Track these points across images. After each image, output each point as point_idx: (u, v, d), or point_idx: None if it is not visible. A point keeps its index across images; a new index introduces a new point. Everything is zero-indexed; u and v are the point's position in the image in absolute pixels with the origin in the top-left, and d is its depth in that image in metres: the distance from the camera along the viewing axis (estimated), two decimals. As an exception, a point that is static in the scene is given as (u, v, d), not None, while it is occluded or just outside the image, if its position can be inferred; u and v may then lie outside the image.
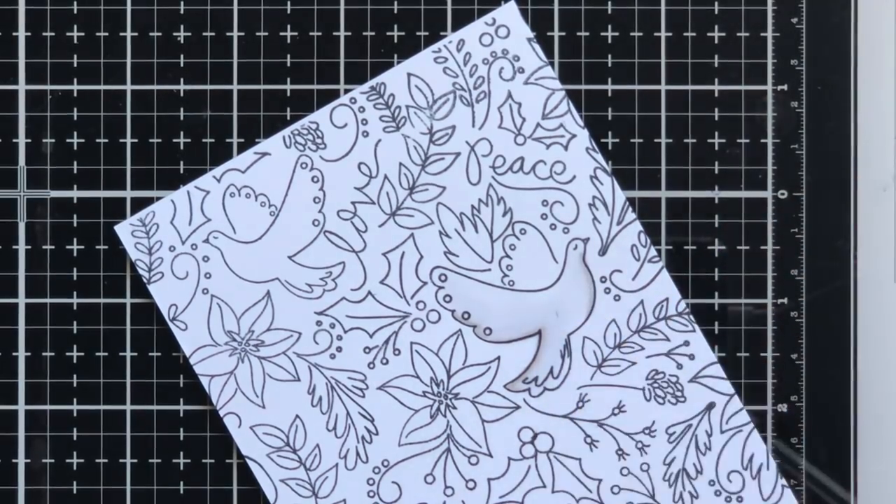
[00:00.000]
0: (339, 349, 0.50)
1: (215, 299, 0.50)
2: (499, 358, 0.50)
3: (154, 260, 0.50)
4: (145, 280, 0.50)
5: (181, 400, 0.51)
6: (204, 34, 0.51)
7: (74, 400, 0.51)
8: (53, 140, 0.51)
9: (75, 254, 0.51)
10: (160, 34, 0.51)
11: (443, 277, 0.50)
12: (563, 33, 0.51)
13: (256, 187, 0.50)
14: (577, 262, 0.49)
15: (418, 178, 0.49)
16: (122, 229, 0.50)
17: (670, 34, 0.51)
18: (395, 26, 0.51)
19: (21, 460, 0.51)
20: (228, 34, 0.51)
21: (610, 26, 0.51)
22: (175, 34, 0.51)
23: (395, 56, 0.51)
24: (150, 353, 0.51)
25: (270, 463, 0.50)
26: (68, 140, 0.51)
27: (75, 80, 0.51)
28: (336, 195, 0.49)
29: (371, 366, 0.50)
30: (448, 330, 0.50)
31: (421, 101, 0.49)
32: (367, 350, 0.50)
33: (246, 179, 0.50)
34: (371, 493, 0.50)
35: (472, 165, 0.49)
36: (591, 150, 0.49)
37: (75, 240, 0.51)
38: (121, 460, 0.51)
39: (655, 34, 0.51)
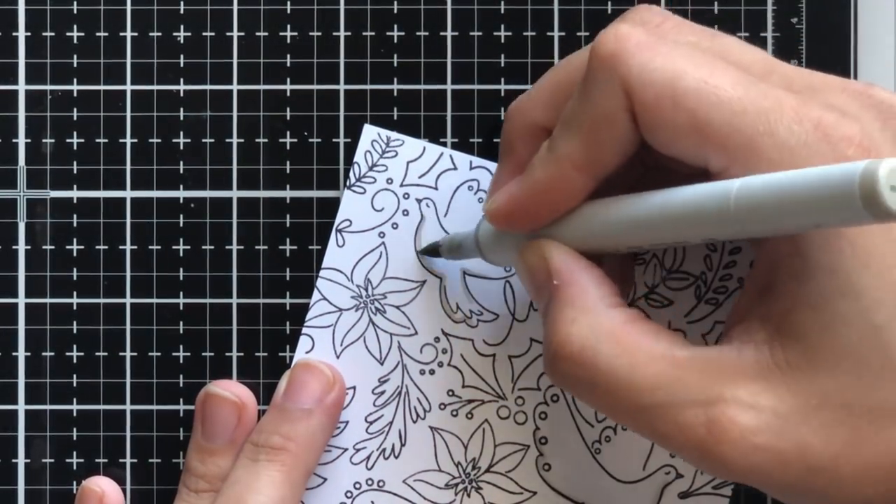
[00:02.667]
0: (432, 372, 0.50)
1: (383, 248, 0.50)
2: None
3: (368, 174, 0.50)
4: (348, 183, 0.50)
5: (181, 400, 0.51)
6: (204, 34, 0.51)
7: (74, 400, 0.51)
8: (53, 140, 0.51)
9: (75, 254, 0.51)
10: (160, 34, 0.51)
11: (543, 416, 0.50)
12: (563, 33, 0.51)
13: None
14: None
15: None
16: (370, 130, 0.50)
17: (670, 34, 0.51)
18: (395, 26, 0.51)
19: (21, 460, 0.51)
20: (228, 34, 0.51)
21: (610, 26, 0.51)
22: (175, 34, 0.51)
23: (395, 56, 0.51)
24: (150, 353, 0.51)
25: None
26: (68, 140, 0.51)
27: (75, 81, 0.51)
28: None
29: (442, 406, 0.50)
30: (519, 437, 0.50)
31: None
32: (449, 392, 0.50)
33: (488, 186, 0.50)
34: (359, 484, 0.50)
35: None
36: None
37: (75, 240, 0.51)
38: (121, 460, 0.51)
39: (655, 34, 0.51)
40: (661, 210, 0.37)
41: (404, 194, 0.50)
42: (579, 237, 0.40)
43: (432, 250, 0.49)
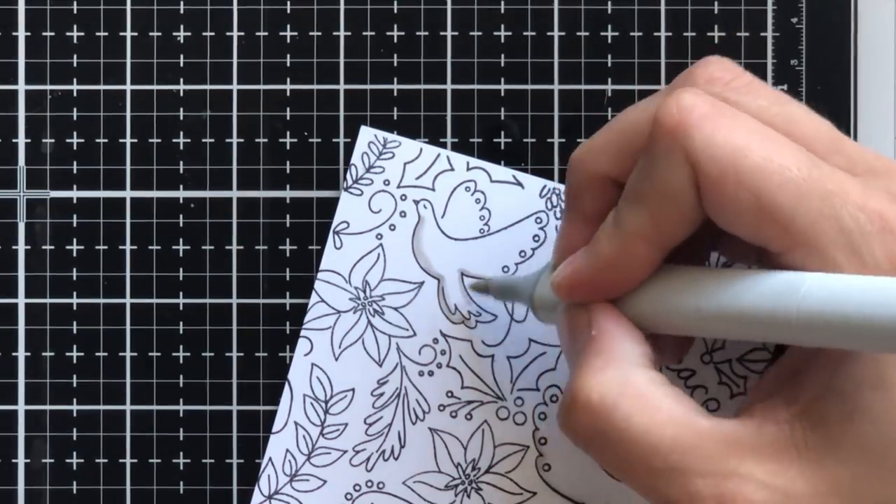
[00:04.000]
0: (431, 373, 0.50)
1: (381, 250, 0.50)
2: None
3: (365, 176, 0.50)
4: (344, 185, 0.50)
5: (181, 400, 0.51)
6: (204, 34, 0.51)
7: (74, 400, 0.51)
8: (53, 140, 0.51)
9: (75, 254, 0.51)
10: (160, 34, 0.51)
11: (543, 416, 0.50)
12: (563, 33, 0.51)
13: (491, 201, 0.50)
14: None
15: None
16: (366, 132, 0.50)
17: (670, 34, 0.51)
18: (395, 26, 0.51)
19: (21, 460, 0.51)
20: (228, 34, 0.51)
21: (610, 26, 0.51)
22: (175, 34, 0.51)
23: (395, 56, 0.51)
24: (150, 354, 0.51)
25: (300, 399, 0.50)
26: (68, 140, 0.51)
27: (75, 80, 0.51)
28: None
29: (441, 408, 0.50)
30: (518, 438, 0.50)
31: None
32: (448, 394, 0.50)
33: (490, 188, 0.50)
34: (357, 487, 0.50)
35: None
36: None
37: (75, 240, 0.51)
38: (121, 460, 0.51)
39: (655, 34, 0.51)
40: (718, 311, 0.37)
41: (401, 196, 0.50)
42: (632, 315, 0.40)
43: (482, 287, 0.49)
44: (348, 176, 0.50)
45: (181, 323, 0.51)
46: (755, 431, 0.36)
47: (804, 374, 0.37)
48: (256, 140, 0.51)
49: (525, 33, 0.51)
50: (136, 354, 0.51)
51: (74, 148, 0.51)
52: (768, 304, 0.35)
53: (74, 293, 0.51)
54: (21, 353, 0.51)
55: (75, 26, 0.51)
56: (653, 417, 0.37)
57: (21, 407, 0.51)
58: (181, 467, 0.51)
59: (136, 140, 0.51)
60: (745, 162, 0.36)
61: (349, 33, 0.51)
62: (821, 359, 0.36)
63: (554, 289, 0.42)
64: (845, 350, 0.35)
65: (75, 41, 0.51)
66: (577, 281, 0.41)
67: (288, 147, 0.51)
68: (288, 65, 0.51)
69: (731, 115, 0.37)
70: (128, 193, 0.51)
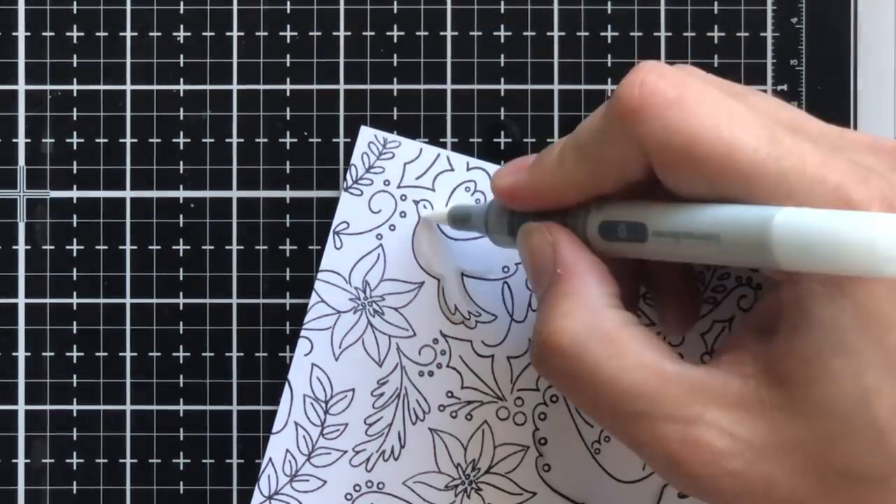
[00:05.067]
0: (431, 373, 0.50)
1: (381, 250, 0.50)
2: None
3: (365, 176, 0.50)
4: (344, 185, 0.50)
5: (181, 400, 0.51)
6: (204, 34, 0.51)
7: (74, 400, 0.51)
8: (53, 140, 0.51)
9: (75, 254, 0.51)
10: (160, 34, 0.51)
11: (542, 416, 0.50)
12: (563, 33, 0.51)
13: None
14: None
15: None
16: (366, 132, 0.50)
17: (670, 34, 0.51)
18: (395, 26, 0.51)
19: (21, 460, 0.51)
20: (228, 34, 0.51)
21: (610, 26, 0.51)
22: (175, 34, 0.51)
23: (395, 56, 0.51)
24: (150, 354, 0.51)
25: (300, 400, 0.50)
26: (68, 140, 0.51)
27: (75, 81, 0.51)
28: None
29: (441, 408, 0.50)
30: (518, 438, 0.50)
31: None
32: (448, 394, 0.50)
33: (489, 188, 0.50)
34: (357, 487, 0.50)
35: None
36: None
37: (75, 240, 0.51)
38: (121, 460, 0.51)
39: (655, 34, 0.51)
40: (695, 229, 0.37)
41: (401, 196, 0.50)
42: (594, 237, 0.41)
43: (441, 219, 0.49)
44: (348, 176, 0.50)
45: (181, 323, 0.51)
46: (722, 381, 0.37)
47: (770, 332, 0.37)
48: (256, 140, 0.51)
49: (525, 33, 0.51)
50: (136, 354, 0.51)
51: (74, 148, 0.51)
52: (745, 220, 0.35)
53: (74, 293, 0.51)
54: (21, 353, 0.51)
55: (75, 26, 0.51)
56: (622, 362, 0.38)
57: (21, 407, 0.51)
58: (181, 467, 0.51)
59: (136, 140, 0.51)
60: (700, 150, 0.36)
61: (349, 33, 0.51)
62: (786, 319, 0.36)
63: (493, 189, 0.43)
64: (806, 313, 0.35)
65: (75, 41, 0.51)
66: (515, 193, 0.43)
67: (288, 147, 0.51)
68: (288, 65, 0.51)
69: (694, 97, 0.37)
70: (128, 193, 0.51)
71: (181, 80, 0.51)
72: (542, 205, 0.42)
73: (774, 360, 0.36)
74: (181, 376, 0.51)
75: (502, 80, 0.51)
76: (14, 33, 0.51)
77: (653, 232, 0.38)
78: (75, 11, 0.51)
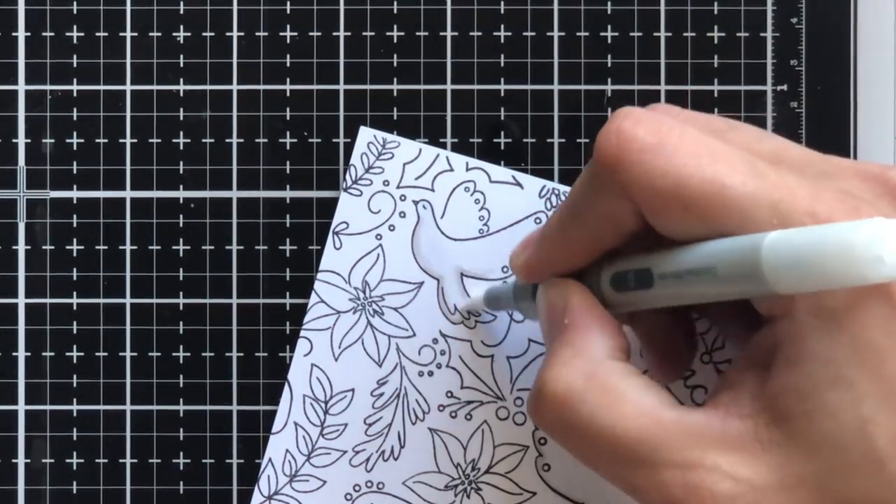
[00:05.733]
0: (430, 373, 0.50)
1: (380, 250, 0.50)
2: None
3: (364, 176, 0.50)
4: (343, 185, 0.50)
5: (181, 400, 0.51)
6: (204, 34, 0.51)
7: (74, 400, 0.51)
8: (53, 140, 0.51)
9: (75, 254, 0.51)
10: (160, 34, 0.51)
11: None
12: (563, 33, 0.51)
13: (491, 201, 0.50)
14: None
15: None
16: (365, 132, 0.50)
17: (670, 34, 0.51)
18: (395, 26, 0.51)
19: (21, 460, 0.51)
20: (228, 34, 0.51)
21: (610, 26, 0.51)
22: (175, 34, 0.51)
23: (395, 56, 0.51)
24: (150, 353, 0.51)
25: (299, 400, 0.50)
26: (68, 140, 0.51)
27: (75, 81, 0.51)
28: None
29: (441, 408, 0.50)
30: (518, 438, 0.50)
31: None
32: (448, 394, 0.50)
33: (489, 188, 0.50)
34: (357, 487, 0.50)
35: None
36: None
37: (75, 240, 0.51)
38: (121, 460, 0.51)
39: (655, 34, 0.51)
40: (689, 268, 0.37)
41: (401, 196, 0.50)
42: (608, 290, 0.41)
43: (478, 307, 0.50)
44: (347, 176, 0.50)
45: (181, 323, 0.51)
46: (720, 423, 0.37)
47: (766, 369, 0.37)
48: (256, 140, 0.51)
49: (525, 33, 0.51)
50: (136, 354, 0.51)
51: (74, 148, 0.51)
52: (736, 248, 0.35)
53: (74, 293, 0.51)
54: (21, 353, 0.51)
55: (75, 26, 0.51)
56: (618, 410, 0.37)
57: (21, 407, 0.51)
58: (181, 467, 0.51)
59: (136, 140, 0.51)
60: (688, 192, 0.36)
61: (349, 33, 0.51)
62: (781, 355, 0.36)
63: (511, 268, 0.44)
64: (801, 347, 0.35)
65: (75, 41, 0.51)
66: (530, 268, 0.43)
67: (288, 147, 0.51)
68: (288, 65, 0.51)
69: (673, 139, 0.37)
70: (128, 193, 0.51)
71: (181, 80, 0.51)
72: (555, 273, 0.42)
73: (771, 396, 0.36)
74: (181, 376, 0.51)
75: (502, 80, 0.51)
76: (14, 33, 0.51)
77: (657, 275, 0.38)
78: (75, 11, 0.51)
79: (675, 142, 0.37)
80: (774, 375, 0.36)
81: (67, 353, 0.51)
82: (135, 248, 0.51)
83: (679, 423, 0.37)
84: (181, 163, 0.51)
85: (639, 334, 0.45)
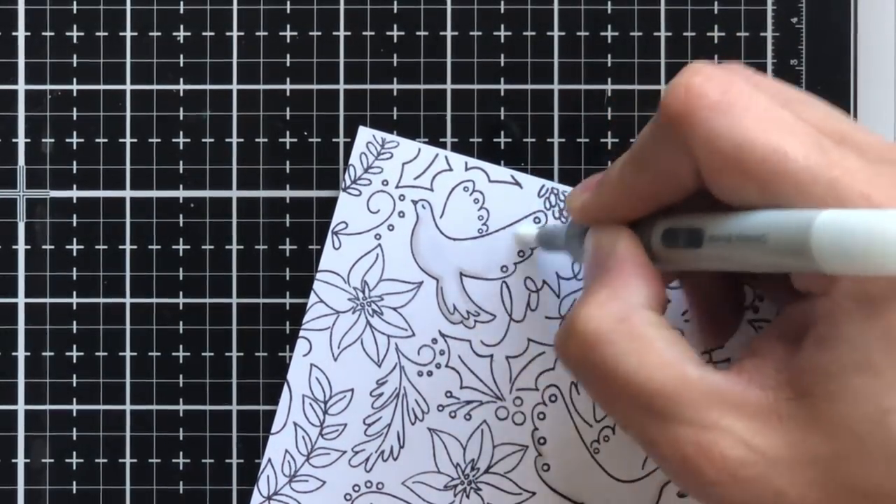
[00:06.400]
0: (430, 373, 0.50)
1: (379, 250, 0.50)
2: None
3: (363, 176, 0.50)
4: (342, 185, 0.50)
5: (181, 400, 0.51)
6: (204, 34, 0.51)
7: (74, 400, 0.51)
8: (53, 140, 0.51)
9: (75, 254, 0.51)
10: (160, 34, 0.51)
11: (541, 416, 0.50)
12: (563, 33, 0.51)
13: (490, 201, 0.50)
14: None
15: None
16: (364, 132, 0.50)
17: (670, 34, 0.51)
18: (395, 26, 0.51)
19: (21, 460, 0.51)
20: (228, 34, 0.51)
21: (610, 26, 0.51)
22: (175, 34, 0.51)
23: (395, 56, 0.51)
24: (150, 353, 0.51)
25: (299, 400, 0.50)
26: (68, 140, 0.51)
27: (75, 80, 0.51)
28: None
29: (440, 408, 0.50)
30: (517, 438, 0.50)
31: None
32: (448, 394, 0.50)
33: (488, 188, 0.50)
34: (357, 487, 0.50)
35: None
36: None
37: (75, 240, 0.51)
38: (121, 460, 0.51)
39: (655, 34, 0.51)
40: (740, 234, 0.37)
41: (400, 196, 0.50)
42: (657, 245, 0.41)
43: (528, 242, 0.50)
44: (346, 176, 0.50)
45: (181, 323, 0.51)
46: (741, 389, 0.37)
47: (794, 344, 0.37)
48: (256, 140, 0.51)
49: (525, 33, 0.51)
50: (136, 354, 0.51)
51: (74, 148, 0.51)
52: (790, 221, 0.35)
53: (74, 293, 0.51)
54: (21, 353, 0.51)
55: (75, 26, 0.51)
56: (643, 358, 0.37)
57: (21, 407, 0.51)
58: (181, 467, 0.51)
59: (136, 140, 0.51)
60: (749, 156, 0.36)
61: (349, 33, 0.51)
62: (813, 334, 0.36)
63: (567, 209, 0.44)
64: (835, 328, 0.35)
65: (75, 41, 0.51)
66: (586, 211, 0.43)
67: (288, 147, 0.51)
68: (288, 65, 0.51)
69: (742, 101, 0.37)
70: (128, 193, 0.51)
71: (181, 80, 0.51)
72: (610, 219, 0.42)
73: (797, 372, 0.36)
74: (181, 376, 0.51)
75: (502, 80, 0.51)
76: (14, 33, 0.51)
77: (708, 236, 0.38)
78: (75, 11, 0.51)
79: (743, 104, 0.37)
80: (804, 351, 0.36)
81: (67, 353, 0.51)
82: (135, 247, 0.51)
83: (701, 381, 0.37)
84: (181, 163, 0.51)
85: (687, 294, 0.45)
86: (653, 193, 0.40)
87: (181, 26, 0.51)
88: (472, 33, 0.51)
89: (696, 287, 0.44)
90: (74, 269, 0.51)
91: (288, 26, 0.51)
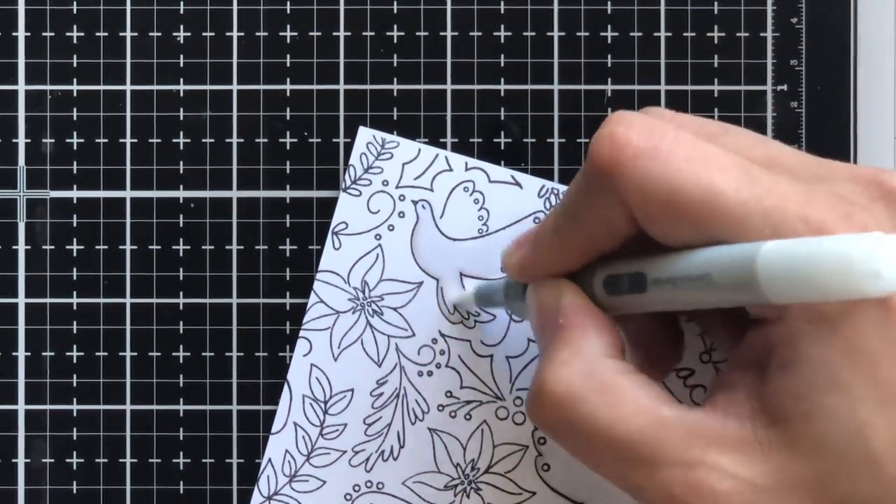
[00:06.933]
0: (430, 373, 0.50)
1: (379, 250, 0.50)
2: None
3: (363, 176, 0.50)
4: (342, 186, 0.50)
5: (181, 400, 0.51)
6: (204, 34, 0.51)
7: (74, 400, 0.51)
8: (53, 140, 0.51)
9: (75, 254, 0.51)
10: (160, 34, 0.51)
11: None
12: (563, 33, 0.51)
13: (490, 201, 0.50)
14: None
15: None
16: (364, 132, 0.50)
17: (670, 34, 0.51)
18: (395, 26, 0.51)
19: (21, 460, 0.51)
20: (228, 34, 0.51)
21: (610, 26, 0.51)
22: (175, 34, 0.51)
23: (395, 56, 0.51)
24: (150, 353, 0.51)
25: (299, 400, 0.50)
26: (68, 140, 0.51)
27: (75, 81, 0.51)
28: None
29: (440, 408, 0.50)
30: (517, 437, 0.50)
31: None
32: (448, 394, 0.50)
33: (488, 188, 0.50)
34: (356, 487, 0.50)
35: None
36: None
37: (75, 240, 0.51)
38: (121, 460, 0.51)
39: (655, 34, 0.51)
40: (684, 275, 0.37)
41: (400, 196, 0.50)
42: (600, 293, 0.41)
43: (465, 301, 0.50)
44: (347, 177, 0.50)
45: (181, 323, 0.51)
46: (719, 424, 0.37)
47: (761, 370, 0.37)
48: (256, 140, 0.51)
49: (525, 33, 0.51)
50: (136, 354, 0.51)
51: (74, 148, 0.51)
52: (733, 257, 0.35)
53: (74, 293, 0.51)
54: (21, 353, 0.51)
55: (75, 26, 0.51)
56: (618, 409, 0.37)
57: (21, 407, 0.51)
58: (181, 467, 0.51)
59: (136, 140, 0.51)
60: (682, 199, 0.36)
61: (349, 33, 0.51)
62: (776, 359, 0.36)
63: (503, 267, 0.44)
64: (796, 351, 0.35)
65: (75, 41, 0.51)
66: (523, 268, 0.43)
67: (288, 147, 0.51)
68: (288, 65, 0.51)
69: (666, 144, 0.37)
70: (128, 193, 0.51)
71: (181, 80, 0.51)
72: (548, 274, 0.42)
73: (767, 398, 0.36)
74: (181, 376, 0.51)
75: (502, 80, 0.51)
76: (14, 33, 0.51)
77: (651, 280, 0.38)
78: (75, 11, 0.51)
79: (668, 147, 0.37)
80: (770, 378, 0.36)
81: (67, 353, 0.51)
82: (135, 247, 0.51)
83: (679, 421, 0.37)
84: (181, 163, 0.51)
85: (625, 334, 0.45)
86: (589, 244, 0.40)
87: (181, 26, 0.51)
88: (472, 33, 0.51)
89: (633, 326, 0.44)
90: (75, 270, 0.51)
91: (288, 26, 0.51)
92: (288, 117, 0.51)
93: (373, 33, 0.51)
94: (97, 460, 0.51)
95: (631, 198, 0.37)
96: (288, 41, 0.51)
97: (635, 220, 0.38)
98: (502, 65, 0.51)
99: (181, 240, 0.51)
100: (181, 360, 0.51)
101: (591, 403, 0.38)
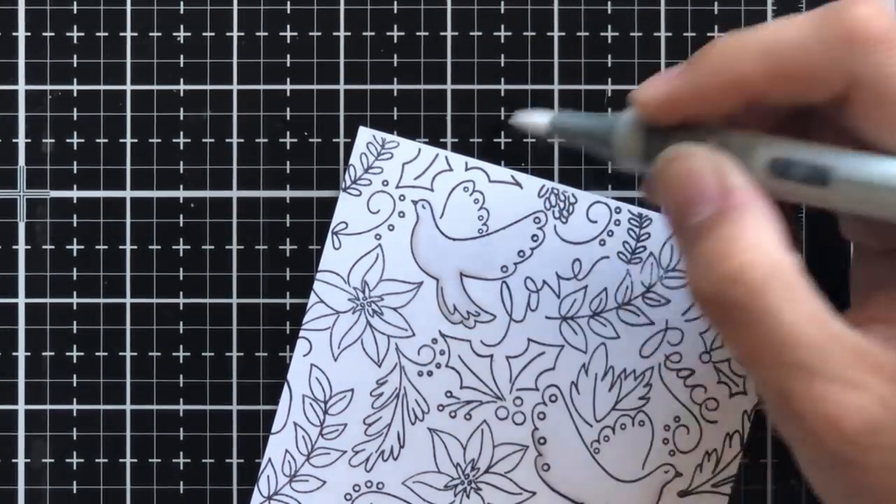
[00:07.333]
0: (430, 373, 0.50)
1: (379, 250, 0.50)
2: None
3: (363, 176, 0.50)
4: (342, 186, 0.50)
5: (181, 400, 0.51)
6: (204, 34, 0.51)
7: (74, 400, 0.51)
8: (53, 140, 0.51)
9: (75, 254, 0.51)
10: (160, 34, 0.51)
11: (541, 416, 0.50)
12: (563, 33, 0.51)
13: (490, 201, 0.50)
14: None
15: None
16: (364, 132, 0.50)
17: (670, 34, 0.51)
18: (395, 26, 0.51)
19: (21, 460, 0.51)
20: (228, 34, 0.51)
21: (610, 26, 0.51)
22: (175, 34, 0.51)
23: (395, 56, 0.51)
24: (150, 353, 0.51)
25: (299, 400, 0.50)
26: (68, 140, 0.51)
27: (75, 81, 0.51)
28: None
29: (440, 408, 0.50)
30: (517, 438, 0.50)
31: None
32: (448, 394, 0.50)
33: (488, 188, 0.50)
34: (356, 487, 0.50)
35: None
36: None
37: (75, 240, 0.51)
38: (121, 460, 0.51)
39: (655, 34, 0.51)
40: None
41: (400, 196, 0.50)
42: (761, 173, 0.38)
43: (543, 130, 0.44)
44: (347, 176, 0.50)
45: (181, 323, 0.51)
46: (880, 350, 0.35)
47: None
48: (256, 140, 0.51)
49: (525, 33, 0.51)
50: (136, 354, 0.51)
51: (74, 148, 0.51)
52: None
53: (74, 293, 0.51)
54: (21, 353, 0.51)
55: (75, 26, 0.51)
56: (798, 309, 0.35)
57: (21, 407, 0.51)
58: (181, 467, 0.51)
59: (136, 140, 0.51)
60: None
61: (349, 33, 0.51)
62: None
63: (639, 101, 0.39)
64: None
65: (75, 41, 0.51)
66: (673, 100, 0.39)
67: (288, 147, 0.51)
68: (288, 65, 0.51)
69: None
70: (128, 193, 0.51)
71: (181, 80, 0.51)
72: (703, 110, 0.38)
73: None
74: (181, 376, 0.51)
75: (502, 80, 0.51)
76: (14, 33, 0.51)
77: (843, 177, 0.36)
78: (75, 11, 0.51)
79: None
80: None
81: (67, 353, 0.51)
82: (135, 247, 0.51)
83: (847, 337, 0.35)
84: (181, 163, 0.51)
85: None
86: (768, 90, 0.37)
87: (181, 26, 0.51)
88: (472, 33, 0.51)
89: None
90: (74, 270, 0.51)
91: (288, 26, 0.51)
92: (288, 117, 0.51)
93: (373, 33, 0.51)
94: (97, 460, 0.51)
95: (874, 78, 0.35)
96: (288, 41, 0.51)
97: (830, 99, 0.35)
98: (502, 65, 0.51)
99: (181, 240, 0.51)
100: (181, 360, 0.51)
101: (776, 297, 0.35)
